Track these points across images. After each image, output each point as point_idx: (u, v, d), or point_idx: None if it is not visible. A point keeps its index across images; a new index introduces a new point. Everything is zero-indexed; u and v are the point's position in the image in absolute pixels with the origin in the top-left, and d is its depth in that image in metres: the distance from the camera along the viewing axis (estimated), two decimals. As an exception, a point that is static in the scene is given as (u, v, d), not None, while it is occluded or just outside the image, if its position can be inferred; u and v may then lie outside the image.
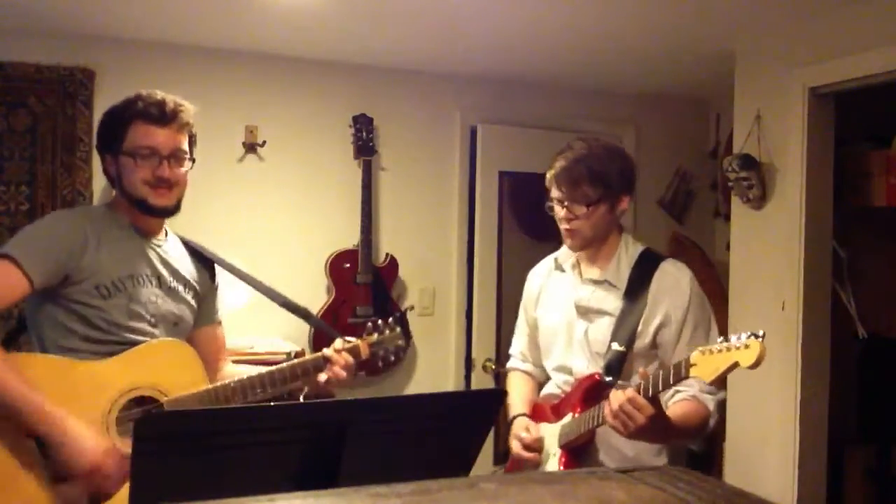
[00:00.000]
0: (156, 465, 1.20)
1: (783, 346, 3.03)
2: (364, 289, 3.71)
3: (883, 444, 3.50)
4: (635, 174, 2.10)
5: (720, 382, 1.87)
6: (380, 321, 2.14)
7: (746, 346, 1.60)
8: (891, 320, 3.46)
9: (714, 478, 1.08)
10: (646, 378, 1.77)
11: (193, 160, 2.00)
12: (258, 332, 3.46)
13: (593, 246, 2.08)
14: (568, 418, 2.03)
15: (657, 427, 1.78)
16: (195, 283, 2.05)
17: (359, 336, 2.10)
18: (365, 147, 3.73)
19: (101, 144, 2.00)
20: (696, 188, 4.51)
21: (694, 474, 1.06)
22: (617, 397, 1.78)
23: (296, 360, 2.01)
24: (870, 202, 3.33)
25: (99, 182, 3.39)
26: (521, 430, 2.10)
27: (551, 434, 2.07)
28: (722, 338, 1.68)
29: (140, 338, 1.88)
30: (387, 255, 3.85)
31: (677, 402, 1.93)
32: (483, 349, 3.99)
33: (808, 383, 3.00)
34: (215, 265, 2.14)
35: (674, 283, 2.00)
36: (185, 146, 1.97)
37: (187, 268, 2.05)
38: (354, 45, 3.50)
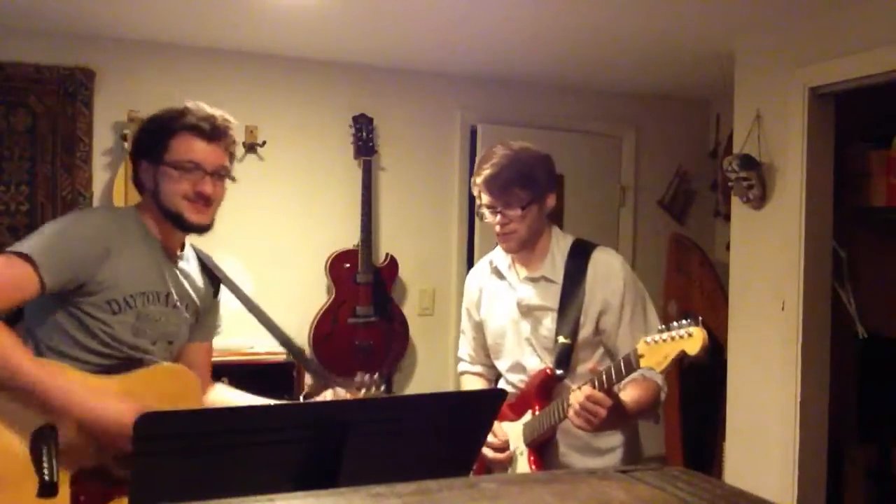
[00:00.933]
0: (156, 465, 1.20)
1: (783, 346, 3.03)
2: (364, 289, 3.71)
3: (883, 444, 3.50)
4: (553, 171, 2.15)
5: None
6: (367, 376, 2.13)
7: (690, 335, 1.66)
8: (891, 320, 3.46)
9: (714, 478, 1.08)
10: (598, 374, 1.83)
11: (233, 178, 1.95)
12: (258, 332, 3.45)
13: (528, 246, 2.12)
14: (528, 416, 2.08)
15: (617, 415, 1.85)
16: (197, 301, 2.01)
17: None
18: (365, 147, 3.73)
19: (138, 150, 1.91)
20: (696, 188, 4.51)
21: (694, 474, 1.06)
22: (576, 397, 1.83)
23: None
24: (870, 202, 3.33)
25: (99, 182, 3.39)
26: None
27: (515, 432, 2.11)
28: (663, 326, 1.75)
29: (137, 354, 1.85)
30: (387, 255, 3.85)
31: (628, 384, 1.97)
32: (483, 349, 3.99)
33: (808, 383, 3.00)
34: (219, 282, 2.10)
35: (607, 270, 2.05)
36: (228, 163, 1.93)
37: (195, 284, 2.01)
38: (354, 45, 3.50)
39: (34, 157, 3.29)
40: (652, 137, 4.38)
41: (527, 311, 2.11)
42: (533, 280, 2.12)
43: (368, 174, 3.74)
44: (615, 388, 1.88)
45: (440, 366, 4.03)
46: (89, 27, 3.27)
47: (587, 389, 1.82)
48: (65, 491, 1.69)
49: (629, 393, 1.95)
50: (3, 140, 3.24)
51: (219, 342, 3.26)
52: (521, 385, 2.13)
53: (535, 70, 3.90)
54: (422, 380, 3.98)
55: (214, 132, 1.88)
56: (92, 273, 1.76)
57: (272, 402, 2.03)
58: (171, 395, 1.83)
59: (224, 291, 2.14)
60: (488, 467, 2.14)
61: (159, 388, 1.83)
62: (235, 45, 3.54)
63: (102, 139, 3.40)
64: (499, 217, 2.07)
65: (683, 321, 1.69)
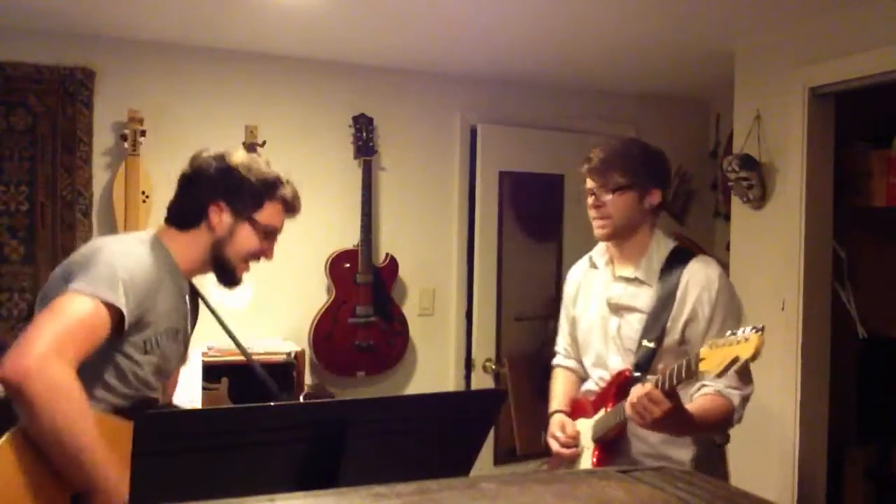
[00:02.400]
0: (156, 465, 1.20)
1: (783, 346, 3.03)
2: (364, 289, 3.71)
3: (883, 444, 3.49)
4: (667, 172, 2.16)
5: (745, 376, 1.95)
6: None
7: (746, 340, 1.64)
8: (891, 320, 3.46)
9: (715, 478, 1.08)
10: (663, 374, 1.83)
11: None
12: (258, 333, 3.46)
13: (622, 237, 2.11)
14: (601, 413, 2.09)
15: (675, 420, 1.85)
16: (189, 328, 1.98)
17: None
18: (365, 147, 3.73)
19: (220, 191, 1.82)
20: (696, 188, 4.51)
21: (694, 474, 1.06)
22: (636, 391, 1.85)
23: None
24: (870, 202, 3.33)
25: (99, 182, 3.39)
26: (557, 428, 2.18)
27: (587, 429, 2.14)
28: (730, 332, 1.72)
29: (150, 393, 1.82)
30: (387, 255, 3.85)
31: (701, 397, 1.98)
32: (483, 349, 3.99)
33: (808, 383, 3.00)
34: (200, 306, 2.06)
35: (702, 279, 2.03)
36: None
37: (189, 312, 1.97)
38: (354, 45, 3.50)
39: (34, 157, 3.29)
40: (652, 137, 4.33)
41: (616, 309, 2.12)
42: (626, 280, 2.12)
43: (368, 174, 3.74)
44: (684, 395, 1.89)
45: (440, 366, 4.03)
46: (89, 27, 3.27)
47: (648, 387, 1.82)
48: None
49: (698, 403, 1.95)
50: (3, 140, 3.24)
51: (219, 342, 3.28)
52: (601, 383, 2.15)
53: (536, 70, 3.90)
54: (422, 380, 3.98)
55: (293, 209, 1.93)
56: (148, 311, 1.70)
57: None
58: None
59: (221, 290, 2.13)
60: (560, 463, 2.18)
61: None
62: (236, 45, 3.54)
63: (102, 139, 3.39)
64: (593, 199, 2.08)
65: (747, 328, 1.67)
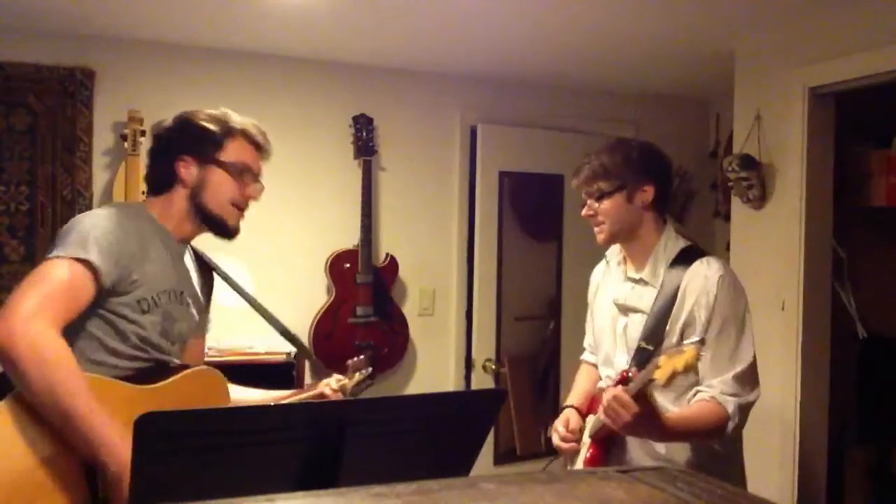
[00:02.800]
0: (156, 465, 1.20)
1: (783, 346, 3.03)
2: (364, 289, 3.71)
3: (883, 444, 3.50)
4: (659, 164, 2.13)
5: (748, 382, 1.94)
6: (356, 358, 2.21)
7: (682, 353, 1.66)
8: (891, 320, 3.46)
9: (714, 478, 1.08)
10: (634, 377, 1.85)
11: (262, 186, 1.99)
12: (258, 332, 3.46)
13: (625, 239, 2.12)
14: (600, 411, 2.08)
15: (647, 425, 1.83)
16: (201, 297, 2.01)
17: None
18: (365, 147, 3.73)
19: (179, 145, 1.86)
20: (696, 188, 4.51)
21: (694, 474, 1.06)
22: (606, 395, 1.85)
23: (300, 398, 2.06)
24: (870, 202, 3.33)
25: (99, 182, 3.39)
26: (560, 423, 2.20)
27: (588, 425, 2.16)
28: (686, 341, 1.75)
29: (162, 357, 1.83)
30: (387, 255, 3.85)
31: (695, 403, 1.96)
32: (483, 349, 3.99)
33: (808, 383, 2.99)
34: (214, 276, 2.09)
35: (701, 282, 2.00)
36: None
37: (196, 280, 2.00)
38: (354, 45, 3.50)
39: (34, 157, 3.29)
40: (652, 137, 4.34)
41: (623, 309, 2.13)
42: (633, 280, 2.12)
43: (368, 174, 3.74)
44: (681, 401, 1.90)
45: (440, 366, 4.03)
46: (89, 27, 3.27)
47: (616, 390, 1.82)
48: None
49: (687, 410, 1.93)
50: (3, 140, 3.24)
51: (219, 342, 3.28)
52: (608, 381, 2.16)
53: (535, 70, 3.90)
54: (422, 380, 3.98)
55: (260, 144, 1.92)
56: (132, 269, 1.73)
57: (273, 393, 2.04)
58: (205, 399, 1.82)
59: (220, 289, 2.14)
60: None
61: (192, 393, 1.80)
62: (236, 46, 3.54)
63: (102, 139, 3.40)
64: (585, 209, 2.11)
65: (690, 339, 1.69)
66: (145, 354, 1.79)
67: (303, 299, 3.69)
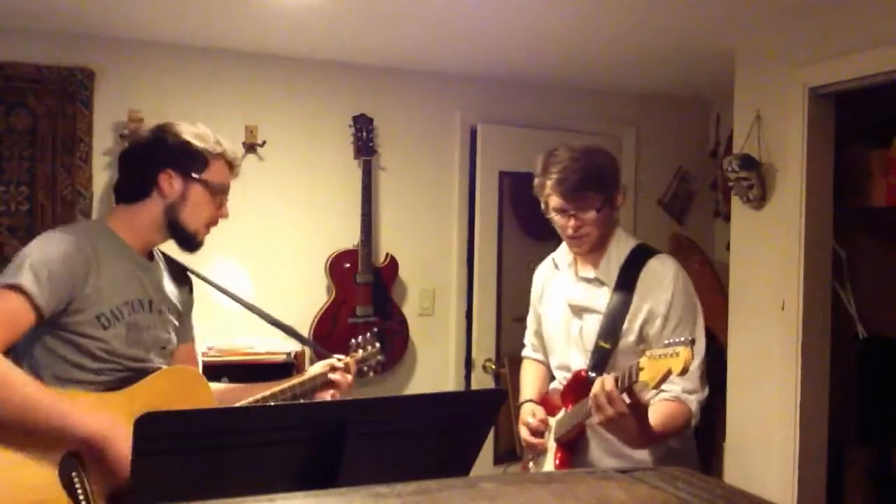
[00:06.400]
0: (156, 465, 1.20)
1: (783, 346, 3.03)
2: (364, 289, 3.71)
3: (883, 444, 3.49)
4: (617, 167, 2.16)
5: (702, 379, 1.96)
6: (360, 338, 2.24)
7: (677, 354, 1.65)
8: (891, 320, 3.46)
9: (714, 478, 1.08)
10: (616, 378, 1.83)
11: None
12: (258, 333, 3.46)
13: (599, 248, 2.11)
14: (561, 413, 2.10)
15: (630, 424, 1.82)
16: (178, 303, 2.02)
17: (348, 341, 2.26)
18: (365, 147, 3.73)
19: (164, 159, 1.88)
20: (696, 188, 4.51)
21: (694, 474, 1.06)
22: (598, 384, 1.83)
23: (302, 381, 2.06)
24: (870, 202, 3.33)
25: (99, 182, 3.39)
26: (528, 415, 2.17)
27: (550, 429, 2.13)
28: (668, 342, 1.73)
29: (137, 364, 1.84)
30: (387, 255, 3.85)
31: (660, 402, 1.95)
32: (483, 349, 3.99)
33: (808, 383, 2.99)
34: (192, 280, 2.10)
35: (658, 279, 2.02)
36: None
37: (170, 287, 2.01)
38: (354, 45, 3.50)
39: (34, 157, 3.29)
40: (652, 137, 4.38)
41: (577, 311, 2.12)
42: (586, 280, 2.11)
43: (368, 174, 3.74)
44: (647, 398, 1.87)
45: (440, 366, 4.03)
46: (89, 27, 3.27)
47: (611, 383, 1.80)
48: None
49: (659, 409, 1.93)
50: (3, 140, 3.24)
51: (218, 342, 3.29)
52: (564, 382, 2.14)
53: (535, 70, 3.90)
54: (422, 380, 3.98)
55: (234, 166, 1.98)
56: (78, 290, 1.74)
57: (271, 386, 2.04)
58: (182, 395, 1.83)
59: (212, 291, 2.14)
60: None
61: (167, 391, 1.82)
62: (236, 45, 3.54)
63: (102, 139, 3.40)
64: (572, 221, 2.04)
65: (679, 339, 1.69)
66: (115, 366, 1.80)
67: (303, 299, 3.69)
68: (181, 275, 2.07)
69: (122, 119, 3.34)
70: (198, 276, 2.09)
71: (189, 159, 1.88)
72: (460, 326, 4.06)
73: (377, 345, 2.24)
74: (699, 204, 4.52)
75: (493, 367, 3.97)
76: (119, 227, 1.89)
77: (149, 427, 1.18)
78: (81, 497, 1.63)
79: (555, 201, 2.06)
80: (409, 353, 3.92)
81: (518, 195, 4.09)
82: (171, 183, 1.87)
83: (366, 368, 2.22)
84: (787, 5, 2.86)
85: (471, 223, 4.02)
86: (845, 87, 2.91)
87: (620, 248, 2.09)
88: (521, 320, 4.18)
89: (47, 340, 1.75)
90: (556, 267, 2.24)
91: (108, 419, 1.67)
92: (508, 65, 3.80)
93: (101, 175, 3.40)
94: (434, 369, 4.01)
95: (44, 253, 1.74)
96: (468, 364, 4.03)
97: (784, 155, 3.08)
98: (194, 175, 1.87)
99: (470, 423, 1.43)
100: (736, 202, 3.31)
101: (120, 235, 1.88)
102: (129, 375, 1.82)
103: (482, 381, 3.97)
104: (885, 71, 2.72)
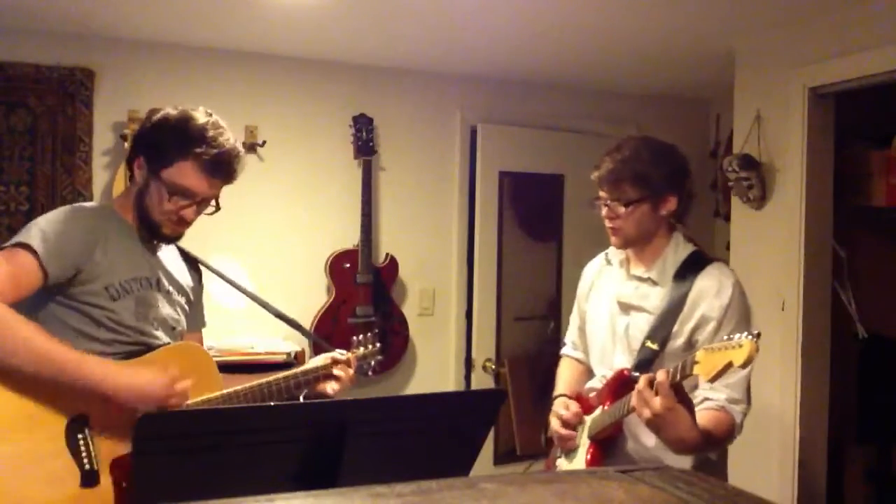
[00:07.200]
0: (156, 465, 1.20)
1: (783, 346, 3.03)
2: (364, 289, 3.71)
3: (883, 444, 3.50)
4: (681, 172, 2.13)
5: (747, 393, 1.94)
6: (362, 336, 2.25)
7: (740, 346, 1.63)
8: (891, 320, 3.46)
9: (714, 478, 1.08)
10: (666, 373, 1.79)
11: (219, 207, 1.97)
12: (258, 332, 3.46)
13: (638, 244, 2.10)
14: (598, 411, 2.07)
15: (674, 421, 1.75)
16: (187, 289, 2.05)
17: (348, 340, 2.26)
18: (365, 147, 3.73)
19: (140, 145, 1.92)
20: (696, 188, 4.50)
21: (694, 474, 1.06)
22: (644, 378, 1.79)
23: (305, 370, 2.06)
24: (870, 202, 3.33)
25: (99, 182, 3.39)
26: (561, 407, 2.15)
27: (584, 426, 2.10)
28: (726, 336, 1.70)
29: (146, 339, 1.88)
30: (387, 255, 3.85)
31: (705, 410, 1.92)
32: (483, 349, 3.99)
33: (808, 383, 2.99)
34: (202, 270, 2.13)
35: (715, 285, 1.99)
36: (219, 193, 1.96)
37: (181, 272, 2.05)
38: (354, 45, 3.50)
39: (34, 157, 3.29)
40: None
41: (625, 308, 2.10)
42: (639, 279, 2.10)
43: (368, 174, 3.74)
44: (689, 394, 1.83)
45: (440, 366, 4.03)
46: (89, 27, 3.27)
47: (662, 375, 1.75)
48: (106, 478, 1.72)
49: (705, 419, 1.88)
50: (3, 140, 3.24)
51: (219, 342, 3.28)
52: (605, 381, 2.11)
53: (535, 70, 3.90)
54: (422, 380, 3.98)
55: (217, 172, 1.89)
56: (87, 259, 1.79)
57: (297, 371, 2.05)
58: (189, 370, 1.84)
59: (220, 290, 2.17)
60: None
61: (175, 366, 1.84)
62: (235, 45, 3.54)
63: (102, 139, 3.39)
64: (604, 210, 2.06)
65: (743, 333, 1.65)
66: (125, 337, 1.84)
67: (303, 299, 3.68)
68: (191, 263, 2.10)
69: (122, 119, 3.34)
70: (207, 266, 2.11)
71: (155, 152, 1.88)
72: (460, 326, 4.06)
73: (378, 345, 2.25)
74: (699, 204, 4.48)
75: (493, 367, 3.97)
76: (125, 210, 1.94)
77: (149, 427, 1.18)
78: (85, 458, 1.66)
79: (600, 191, 2.09)
80: (408, 353, 3.92)
81: (518, 195, 4.09)
82: (140, 171, 1.91)
83: (365, 367, 2.23)
84: (787, 5, 2.86)
85: (471, 223, 4.02)
86: (845, 87, 2.91)
87: (678, 252, 2.09)
88: (521, 320, 4.22)
89: (56, 310, 1.80)
90: (609, 262, 2.24)
91: (119, 368, 1.74)
92: (508, 65, 3.80)
93: (101, 175, 3.40)
94: (434, 369, 4.01)
95: (53, 221, 1.81)
96: (468, 364, 4.03)
97: (784, 155, 3.08)
98: (153, 170, 1.87)
99: (470, 423, 1.43)
100: (736, 202, 3.31)
101: (126, 218, 1.93)
102: (137, 349, 1.85)
103: (482, 381, 3.97)
104: (885, 71, 2.73)
